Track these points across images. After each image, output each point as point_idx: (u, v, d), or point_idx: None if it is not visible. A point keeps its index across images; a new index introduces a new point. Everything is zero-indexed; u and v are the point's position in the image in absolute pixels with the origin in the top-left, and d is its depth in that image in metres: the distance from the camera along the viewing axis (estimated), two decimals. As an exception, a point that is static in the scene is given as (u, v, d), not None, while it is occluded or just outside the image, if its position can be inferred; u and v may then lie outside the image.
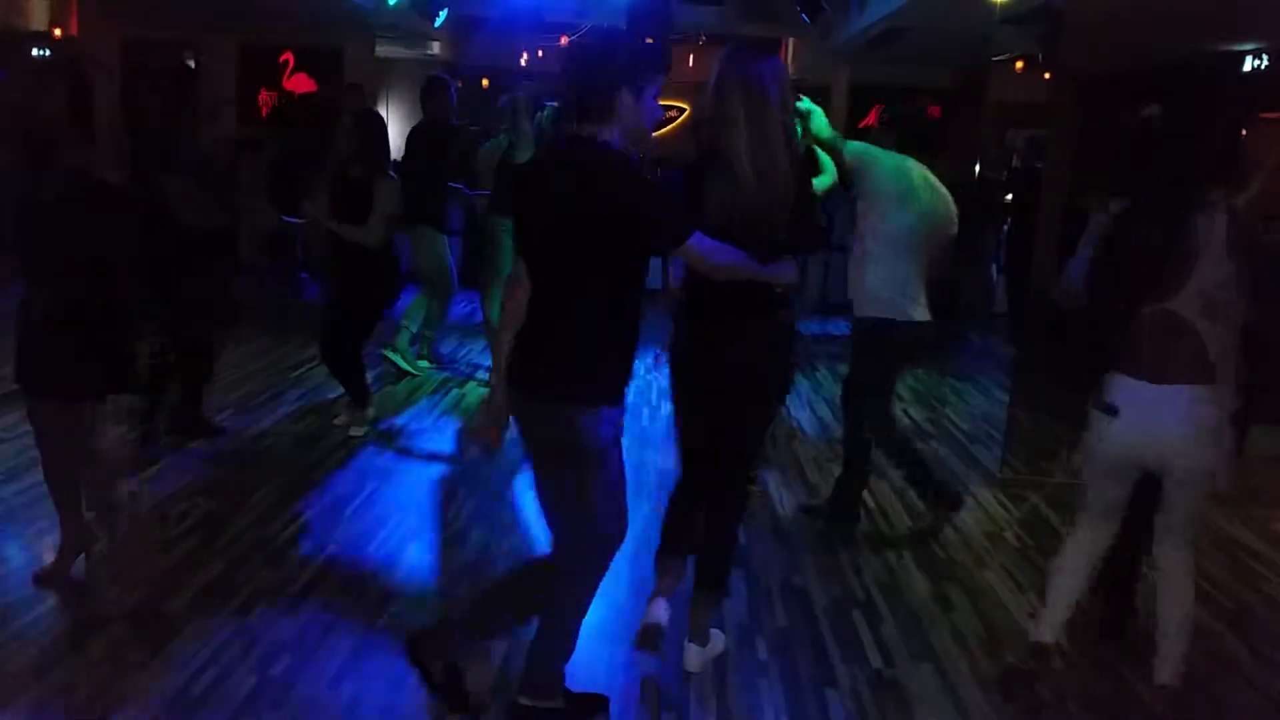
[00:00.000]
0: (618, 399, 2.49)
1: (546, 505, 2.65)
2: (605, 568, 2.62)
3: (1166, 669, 2.90)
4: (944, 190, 4.03)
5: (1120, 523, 3.00)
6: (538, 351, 2.48)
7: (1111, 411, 2.80)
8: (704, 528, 3.10)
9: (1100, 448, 2.89)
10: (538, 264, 2.49)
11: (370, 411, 5.22)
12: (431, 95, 6.43)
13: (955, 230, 4.07)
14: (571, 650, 2.66)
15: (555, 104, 6.88)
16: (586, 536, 2.56)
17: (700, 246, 2.46)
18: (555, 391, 2.46)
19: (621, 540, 2.60)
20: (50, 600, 3.22)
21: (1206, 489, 2.84)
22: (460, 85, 7.76)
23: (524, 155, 6.06)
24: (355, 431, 5.08)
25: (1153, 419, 2.74)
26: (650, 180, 2.44)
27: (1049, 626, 3.04)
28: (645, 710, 2.85)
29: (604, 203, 2.34)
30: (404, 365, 6.30)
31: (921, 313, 3.97)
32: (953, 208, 4.04)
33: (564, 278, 2.44)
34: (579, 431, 2.42)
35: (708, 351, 2.94)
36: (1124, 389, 2.78)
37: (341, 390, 5.24)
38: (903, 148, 4.04)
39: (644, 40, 2.54)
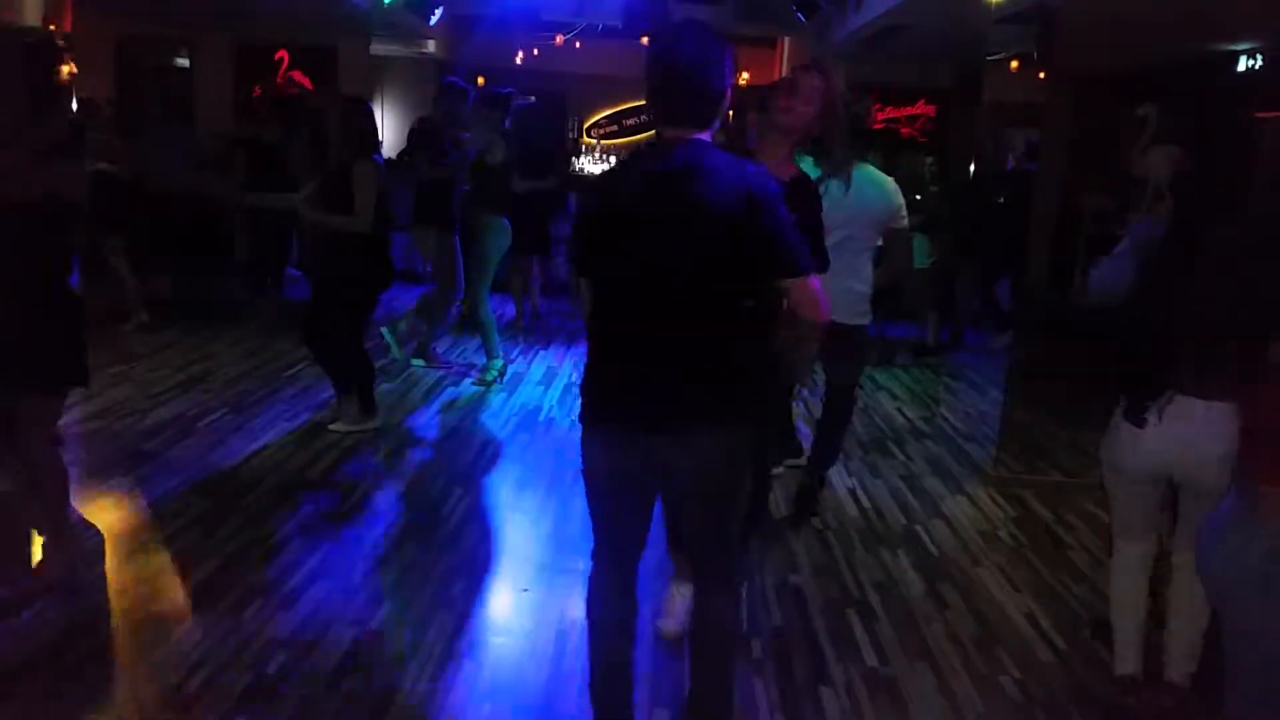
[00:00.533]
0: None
1: (709, 535, 2.46)
2: None
3: (1178, 668, 2.89)
4: (881, 187, 3.95)
5: (1160, 530, 2.96)
6: (673, 380, 2.24)
7: (1139, 423, 2.72)
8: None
9: (1128, 461, 2.81)
10: (645, 283, 2.23)
11: (375, 422, 5.17)
12: (440, 98, 6.46)
13: (903, 223, 4.03)
14: None
15: (531, 100, 6.95)
16: (730, 576, 2.51)
17: (815, 285, 2.26)
18: (713, 417, 2.26)
19: None
20: (45, 597, 3.21)
21: (1211, 485, 2.71)
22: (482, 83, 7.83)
23: (497, 156, 6.13)
24: (340, 427, 5.07)
25: (1191, 435, 2.65)
26: (778, 196, 2.22)
27: (1129, 657, 2.97)
28: (641, 710, 2.84)
29: (751, 214, 2.15)
30: (393, 346, 6.34)
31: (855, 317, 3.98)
32: (892, 203, 3.95)
33: (696, 295, 2.20)
34: (738, 446, 2.32)
35: None
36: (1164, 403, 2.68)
37: (334, 392, 5.23)
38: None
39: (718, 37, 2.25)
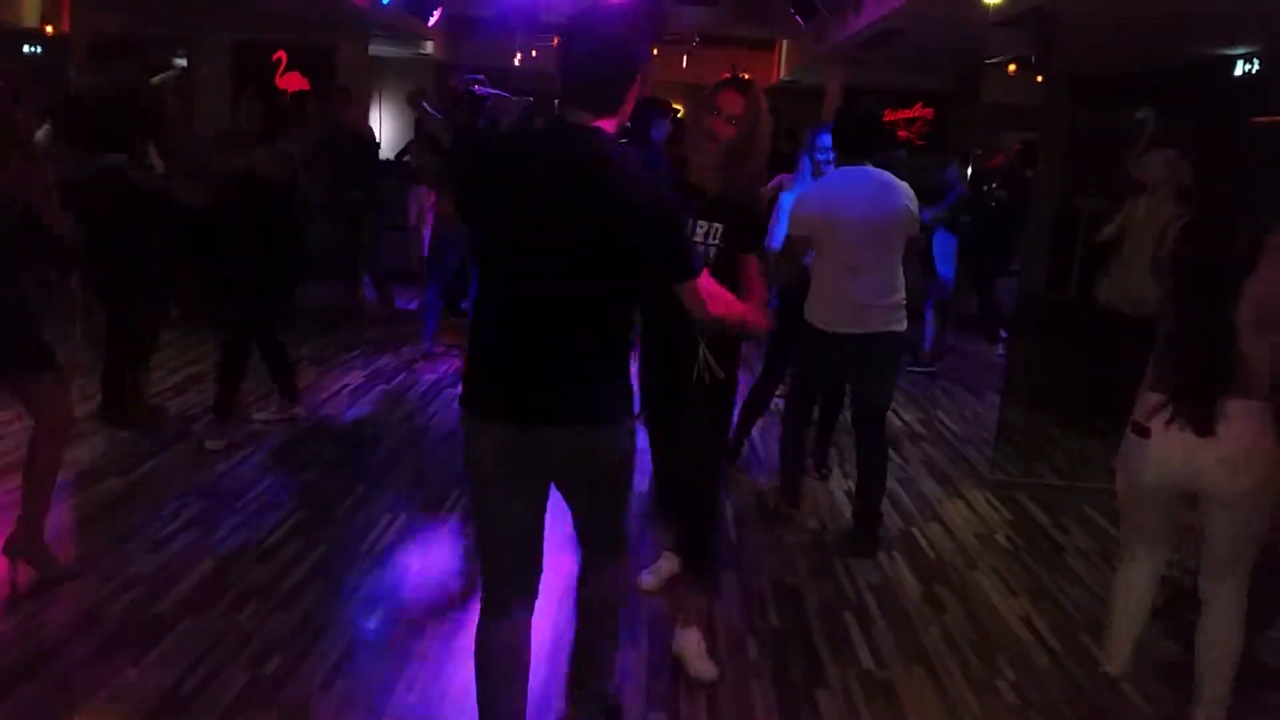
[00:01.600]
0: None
1: (601, 521, 2.44)
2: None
3: (1204, 711, 2.72)
4: (900, 193, 3.82)
5: (1173, 545, 2.87)
6: (550, 373, 2.16)
7: (1143, 433, 2.65)
8: (677, 518, 3.28)
9: (1132, 472, 2.72)
10: (525, 268, 2.13)
11: (297, 409, 5.21)
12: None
13: (916, 232, 3.90)
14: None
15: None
16: (621, 546, 2.53)
17: (705, 285, 2.24)
18: (594, 413, 2.19)
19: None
20: (41, 597, 3.21)
21: (1250, 514, 2.61)
22: (452, 85, 7.86)
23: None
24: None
25: (1188, 439, 2.56)
26: (676, 201, 2.20)
27: (1118, 660, 2.94)
28: (636, 712, 2.84)
29: (633, 217, 2.08)
30: None
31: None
32: (910, 211, 3.83)
33: (572, 288, 2.11)
34: (625, 441, 2.27)
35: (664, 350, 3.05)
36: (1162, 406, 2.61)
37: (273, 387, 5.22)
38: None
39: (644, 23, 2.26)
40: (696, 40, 12.38)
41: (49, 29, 9.36)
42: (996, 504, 4.77)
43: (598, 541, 2.50)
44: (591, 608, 2.60)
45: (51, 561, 3.35)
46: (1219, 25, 6.14)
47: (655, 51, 11.79)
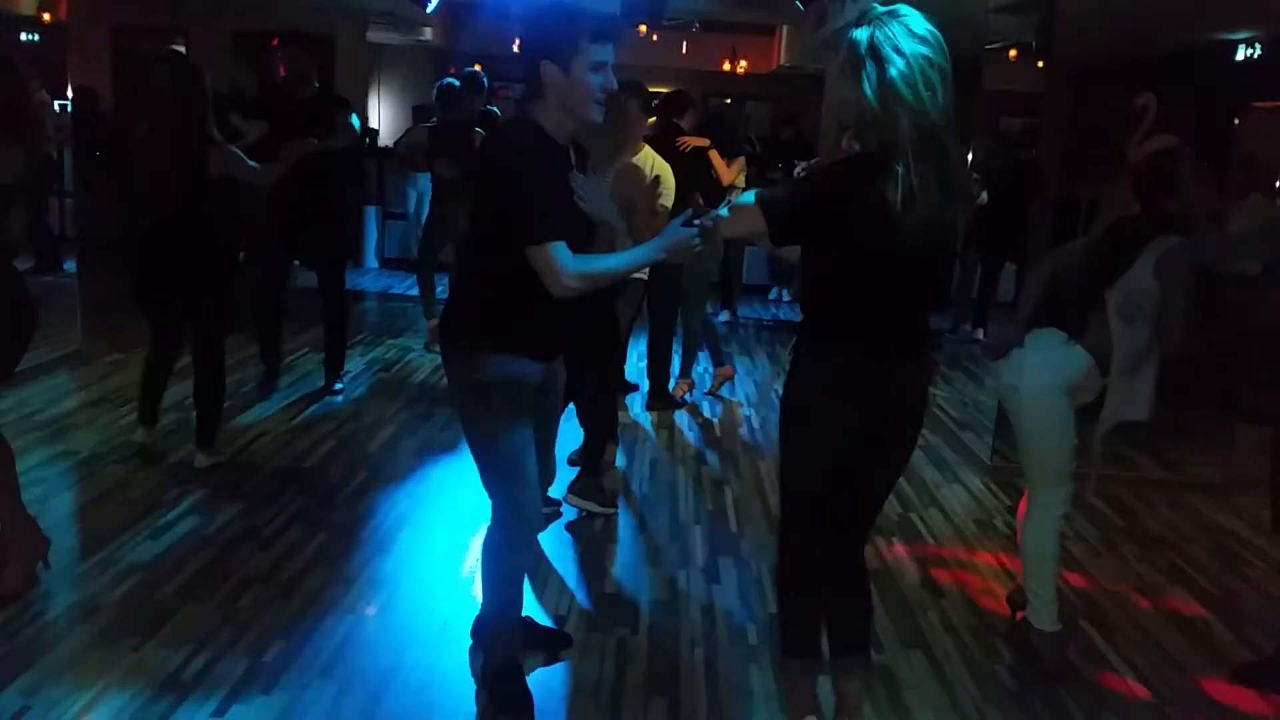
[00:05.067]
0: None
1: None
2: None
3: (1030, 613, 3.17)
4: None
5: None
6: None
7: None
8: None
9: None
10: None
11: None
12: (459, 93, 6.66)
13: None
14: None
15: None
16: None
17: (556, 257, 2.33)
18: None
19: None
20: (40, 586, 3.22)
21: (1021, 417, 3.09)
22: (452, 71, 7.87)
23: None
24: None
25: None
26: (533, 166, 2.36)
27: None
28: (636, 697, 2.85)
29: (492, 176, 2.42)
30: None
31: None
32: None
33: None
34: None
35: None
36: None
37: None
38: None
39: (577, 10, 2.37)
40: (696, 26, 12.34)
41: (46, 16, 9.33)
42: (995, 489, 4.77)
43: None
44: None
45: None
46: (1221, 9, 6.12)
47: (655, 37, 11.75)
